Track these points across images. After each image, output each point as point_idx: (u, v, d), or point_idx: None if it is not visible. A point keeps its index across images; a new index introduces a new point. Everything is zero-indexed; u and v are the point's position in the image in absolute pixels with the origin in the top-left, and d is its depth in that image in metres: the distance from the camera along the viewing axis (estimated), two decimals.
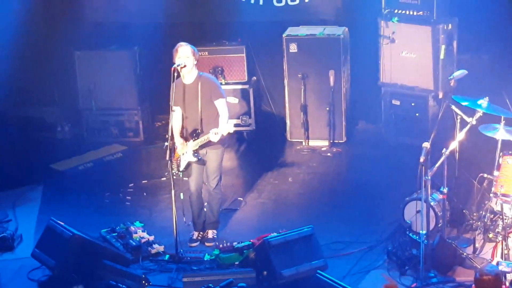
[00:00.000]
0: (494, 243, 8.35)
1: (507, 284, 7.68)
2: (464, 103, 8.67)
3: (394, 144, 11.28)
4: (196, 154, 8.97)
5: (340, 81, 11.37)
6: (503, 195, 8.70)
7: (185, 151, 8.98)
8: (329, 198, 10.36)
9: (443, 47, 10.77)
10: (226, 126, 8.75)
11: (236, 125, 11.37)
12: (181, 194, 8.87)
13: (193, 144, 8.95)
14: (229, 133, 8.82)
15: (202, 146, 8.99)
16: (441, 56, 10.79)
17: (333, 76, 11.30)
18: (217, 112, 8.95)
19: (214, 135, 8.74)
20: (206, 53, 11.34)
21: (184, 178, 9.12)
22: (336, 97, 11.40)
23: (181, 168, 9.01)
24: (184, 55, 8.83)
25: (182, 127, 9.06)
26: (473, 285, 7.01)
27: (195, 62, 8.93)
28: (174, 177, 8.88)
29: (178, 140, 9.01)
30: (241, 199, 10.47)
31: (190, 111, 8.99)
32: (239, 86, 11.73)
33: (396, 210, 9.26)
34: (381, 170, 10.75)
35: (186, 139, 9.01)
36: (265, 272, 8.12)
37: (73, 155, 11.41)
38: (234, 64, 11.68)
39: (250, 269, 8.27)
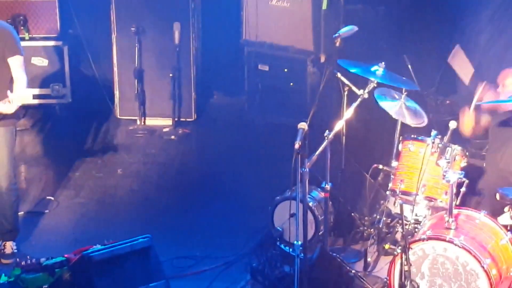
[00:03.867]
0: (391, 257, 8.55)
1: None
2: (353, 70, 8.86)
3: (261, 124, 11.48)
4: None
5: (188, 38, 11.49)
6: (403, 192, 8.95)
7: None
8: (173, 198, 10.47)
9: None
10: (21, 92, 8.60)
11: (44, 97, 11.32)
12: None
13: None
14: (22, 105, 8.58)
15: None
16: (324, 7, 11.00)
17: (179, 30, 11.39)
18: (11, 75, 8.80)
19: (6, 105, 8.50)
20: None
21: None
22: (183, 59, 11.52)
23: None
24: None
25: None
26: None
27: None
28: None
29: None
30: (52, 198, 10.44)
31: None
32: (49, 43, 11.61)
33: (263, 214, 9.44)
34: (243, 159, 10.94)
35: None
36: None
37: None
38: (42, 12, 11.54)
39: None
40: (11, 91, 8.62)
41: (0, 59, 8.78)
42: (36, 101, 11.36)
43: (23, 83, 8.72)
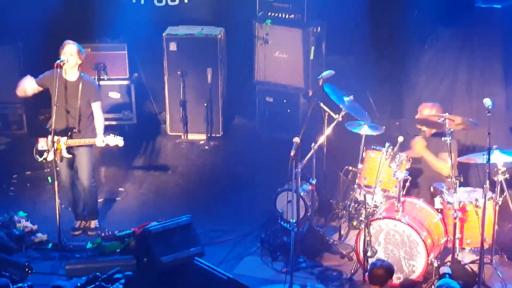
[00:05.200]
0: (357, 230, 8.56)
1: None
2: (332, 97, 8.89)
3: (268, 138, 11.35)
4: (71, 151, 8.99)
5: (217, 79, 11.37)
6: (366, 186, 8.93)
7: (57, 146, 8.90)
8: (207, 189, 10.43)
9: (312, 48, 10.91)
10: (116, 139, 8.91)
11: (117, 119, 11.37)
12: (49, 178, 8.80)
13: (70, 142, 8.91)
14: (117, 146, 8.96)
15: None
16: (311, 57, 10.92)
17: (211, 74, 11.29)
18: (91, 113, 9.01)
19: (101, 142, 8.86)
20: (89, 49, 11.04)
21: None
22: (213, 93, 11.40)
23: (49, 158, 8.92)
24: (68, 52, 8.83)
25: (57, 122, 8.89)
26: (367, 276, 7.30)
27: (79, 62, 8.90)
28: (58, 168, 8.78)
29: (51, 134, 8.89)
30: (122, 189, 10.46)
31: (69, 108, 8.95)
32: (121, 82, 11.53)
33: (268, 200, 9.44)
34: (255, 162, 10.85)
35: (60, 134, 8.90)
36: (145, 259, 8.06)
37: None
38: (116, 61, 11.45)
39: (131, 256, 8.20)
40: (89, 124, 8.98)
41: (86, 102, 8.99)
42: (113, 123, 11.36)
43: (101, 121, 9.04)
